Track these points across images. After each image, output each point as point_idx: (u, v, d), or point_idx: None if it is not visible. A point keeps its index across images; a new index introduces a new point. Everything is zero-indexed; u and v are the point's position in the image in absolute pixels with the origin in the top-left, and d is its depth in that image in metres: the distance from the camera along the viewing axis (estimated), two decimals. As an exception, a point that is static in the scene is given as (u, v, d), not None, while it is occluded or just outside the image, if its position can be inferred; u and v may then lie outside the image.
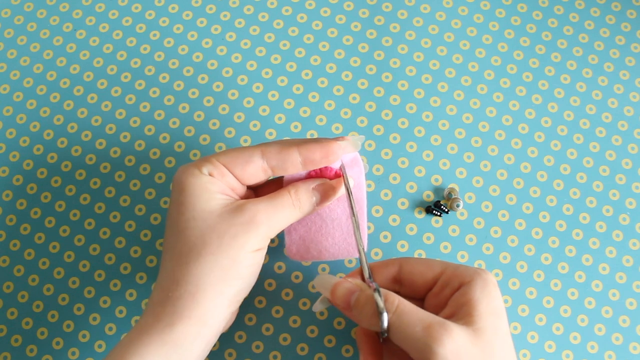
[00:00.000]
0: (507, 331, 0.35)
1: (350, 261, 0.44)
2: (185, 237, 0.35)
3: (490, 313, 0.34)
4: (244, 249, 0.35)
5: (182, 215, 0.36)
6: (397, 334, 0.33)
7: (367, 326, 0.35)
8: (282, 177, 0.39)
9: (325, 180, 0.39)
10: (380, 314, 0.33)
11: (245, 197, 0.39)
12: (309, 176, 0.39)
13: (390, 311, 0.34)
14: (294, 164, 0.37)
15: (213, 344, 0.37)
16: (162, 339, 0.34)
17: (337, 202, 0.40)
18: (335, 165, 0.39)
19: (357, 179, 0.40)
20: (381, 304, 0.34)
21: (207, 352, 0.36)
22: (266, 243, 0.37)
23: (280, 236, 0.45)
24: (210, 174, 0.36)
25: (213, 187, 0.36)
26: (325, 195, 0.38)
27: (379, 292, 0.34)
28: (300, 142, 0.37)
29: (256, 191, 0.41)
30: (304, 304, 0.44)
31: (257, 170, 0.37)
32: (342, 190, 0.39)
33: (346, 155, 0.39)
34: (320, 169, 0.39)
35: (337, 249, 0.41)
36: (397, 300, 0.34)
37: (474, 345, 0.32)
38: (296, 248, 0.41)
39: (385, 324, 0.33)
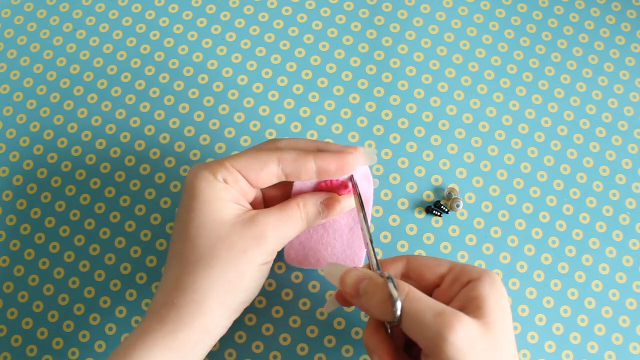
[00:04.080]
0: (512, 330, 0.35)
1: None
2: (194, 245, 0.35)
3: (499, 309, 0.34)
4: (252, 263, 0.35)
5: (192, 221, 0.36)
6: (408, 321, 0.33)
7: (376, 314, 0.34)
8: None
9: (334, 195, 0.39)
10: (394, 301, 0.33)
11: (254, 199, 0.39)
12: (319, 187, 0.39)
13: (401, 298, 0.33)
14: (308, 173, 0.37)
15: (211, 348, 0.37)
16: (165, 344, 0.34)
17: (342, 215, 0.40)
18: (344, 177, 0.39)
19: (365, 194, 0.40)
20: (394, 291, 0.33)
21: (205, 354, 0.37)
22: (273, 257, 0.37)
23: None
24: (224, 181, 0.36)
25: (226, 196, 0.36)
26: (332, 210, 0.39)
27: (392, 280, 0.34)
28: (317, 152, 0.37)
29: (264, 192, 0.41)
30: (304, 304, 0.44)
31: (270, 176, 0.37)
32: (349, 206, 0.39)
33: (358, 169, 0.39)
34: (331, 181, 0.39)
35: (335, 259, 0.41)
36: (407, 287, 0.34)
37: (484, 337, 0.32)
38: (295, 253, 0.41)
39: (399, 311, 0.33)
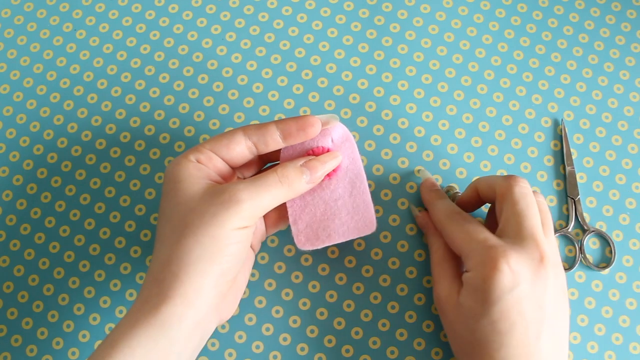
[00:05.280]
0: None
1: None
2: (171, 222, 0.36)
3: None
4: (225, 226, 0.35)
5: (168, 202, 0.37)
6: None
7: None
8: None
9: (313, 156, 0.39)
10: None
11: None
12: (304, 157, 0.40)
13: None
14: (273, 138, 0.38)
15: (206, 331, 0.36)
16: (149, 321, 0.33)
17: (337, 181, 0.40)
18: (327, 144, 0.40)
19: (351, 153, 0.40)
20: None
21: (199, 337, 0.36)
22: (252, 221, 0.36)
23: (280, 235, 0.45)
24: (197, 161, 0.37)
25: (198, 173, 0.37)
26: (315, 171, 0.39)
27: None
28: (278, 119, 0.39)
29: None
30: (304, 304, 0.44)
31: (242, 149, 0.38)
32: (333, 164, 0.39)
33: (335, 132, 0.40)
34: (312, 150, 0.39)
35: (345, 228, 0.40)
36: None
37: None
38: (305, 237, 0.40)
39: None
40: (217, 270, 0.35)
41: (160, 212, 0.38)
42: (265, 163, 0.42)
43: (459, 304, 0.38)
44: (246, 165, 0.40)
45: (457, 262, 0.41)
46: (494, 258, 0.36)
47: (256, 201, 0.36)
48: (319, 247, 0.41)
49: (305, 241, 0.40)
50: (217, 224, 0.35)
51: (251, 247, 0.41)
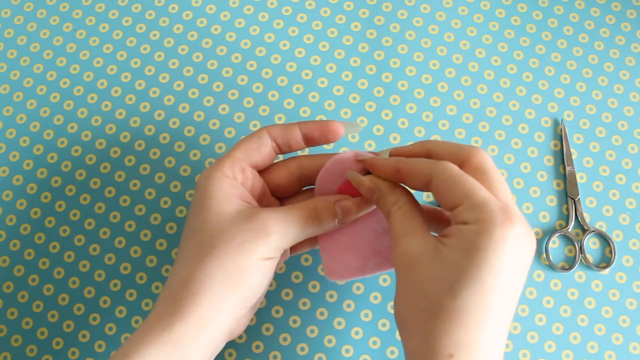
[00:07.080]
0: None
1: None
2: (196, 238, 0.36)
3: None
4: (252, 256, 0.35)
5: (197, 216, 0.36)
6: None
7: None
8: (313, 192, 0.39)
9: (348, 196, 0.38)
10: None
11: (263, 194, 0.39)
12: (339, 191, 0.38)
13: None
14: (296, 141, 0.38)
15: (218, 348, 0.36)
16: (162, 339, 0.34)
17: (372, 215, 0.38)
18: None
19: None
20: None
21: (210, 353, 0.36)
22: (277, 253, 0.36)
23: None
24: (232, 173, 0.37)
25: (232, 191, 0.36)
26: (347, 212, 0.37)
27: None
28: (302, 121, 0.39)
29: (284, 203, 0.41)
30: (304, 304, 0.44)
31: (270, 151, 0.38)
32: (369, 208, 0.38)
33: None
34: (348, 184, 0.38)
35: (377, 262, 0.38)
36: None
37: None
38: (335, 268, 0.38)
39: None
40: (237, 297, 0.35)
41: (186, 224, 0.37)
42: (303, 186, 0.40)
43: (440, 257, 0.31)
44: (287, 188, 0.39)
45: (424, 217, 0.35)
46: (510, 218, 0.30)
47: (285, 235, 0.36)
48: (347, 280, 0.39)
49: (334, 273, 0.38)
50: (243, 252, 0.35)
51: None
